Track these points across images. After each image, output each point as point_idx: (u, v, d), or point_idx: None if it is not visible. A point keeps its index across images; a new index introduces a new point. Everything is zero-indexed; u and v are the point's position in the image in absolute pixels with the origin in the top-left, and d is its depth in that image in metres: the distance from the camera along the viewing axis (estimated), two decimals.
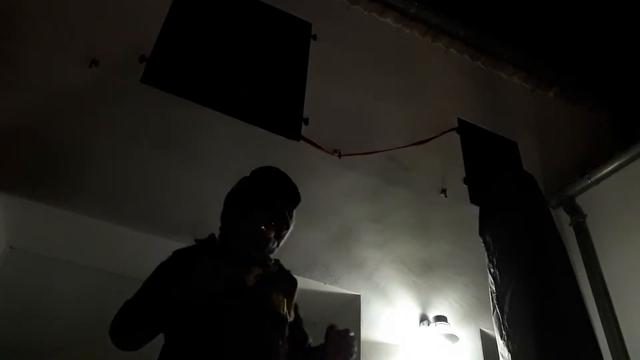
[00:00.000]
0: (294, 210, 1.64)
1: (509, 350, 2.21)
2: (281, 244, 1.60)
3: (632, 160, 3.76)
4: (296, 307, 1.52)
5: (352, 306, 2.80)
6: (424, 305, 2.98)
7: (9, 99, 2.56)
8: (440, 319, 2.85)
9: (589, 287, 3.61)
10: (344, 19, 4.28)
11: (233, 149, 3.01)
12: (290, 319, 1.47)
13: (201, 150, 2.91)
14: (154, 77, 3.01)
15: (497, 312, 2.36)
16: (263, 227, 1.50)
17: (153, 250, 2.62)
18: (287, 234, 1.62)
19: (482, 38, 4.74)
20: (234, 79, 3.34)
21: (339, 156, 3.33)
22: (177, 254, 1.49)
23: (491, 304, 2.43)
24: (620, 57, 5.11)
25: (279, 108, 3.40)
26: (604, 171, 3.89)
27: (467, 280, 3.22)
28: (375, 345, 2.70)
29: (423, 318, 2.90)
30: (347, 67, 3.92)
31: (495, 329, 2.35)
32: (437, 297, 3.06)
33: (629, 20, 4.84)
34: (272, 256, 1.58)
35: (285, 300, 1.46)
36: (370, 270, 2.97)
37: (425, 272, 3.14)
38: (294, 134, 3.29)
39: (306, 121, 3.39)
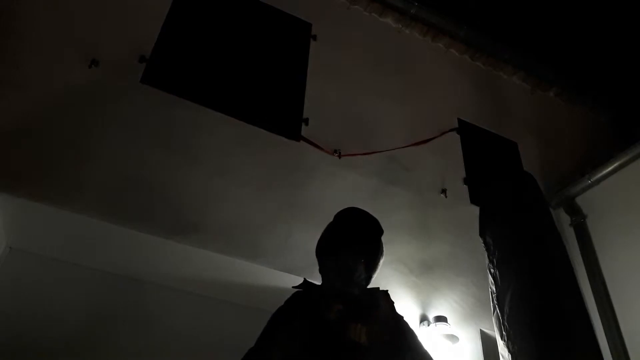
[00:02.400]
0: (381, 240, 1.78)
1: (509, 351, 2.21)
2: (374, 275, 1.74)
3: (632, 160, 3.76)
4: (389, 319, 1.63)
5: None
6: (424, 305, 2.98)
7: (9, 99, 2.56)
8: (440, 319, 2.85)
9: (589, 287, 3.61)
10: (344, 19, 4.28)
11: (233, 149, 3.01)
12: (367, 342, 1.52)
13: (201, 150, 2.91)
14: (154, 78, 3.01)
15: (497, 312, 2.36)
16: (350, 262, 1.65)
17: (153, 250, 2.63)
18: (380, 263, 1.75)
19: (482, 38, 4.73)
20: (234, 79, 3.34)
21: (339, 156, 3.34)
22: (285, 302, 1.67)
23: (491, 304, 2.43)
24: (621, 58, 5.10)
25: (279, 108, 3.40)
26: (604, 171, 3.89)
27: (467, 280, 3.22)
28: None
29: (423, 318, 2.90)
30: (347, 67, 3.92)
31: (496, 329, 2.35)
32: (437, 298, 3.06)
33: (628, 21, 4.84)
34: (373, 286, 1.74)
35: (366, 327, 1.53)
36: None
37: (425, 273, 3.14)
38: (294, 134, 3.29)
39: (306, 121, 3.38)
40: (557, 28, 5.00)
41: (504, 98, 4.77)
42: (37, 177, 2.42)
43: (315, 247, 1.78)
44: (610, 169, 3.86)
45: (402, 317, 1.71)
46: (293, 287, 1.71)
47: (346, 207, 1.87)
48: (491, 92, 4.71)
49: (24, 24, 2.84)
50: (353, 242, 1.70)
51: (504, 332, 2.28)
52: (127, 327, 2.63)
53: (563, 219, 4.05)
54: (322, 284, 1.72)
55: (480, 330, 3.06)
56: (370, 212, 3.23)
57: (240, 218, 2.79)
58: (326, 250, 1.73)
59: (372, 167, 3.43)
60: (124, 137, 2.74)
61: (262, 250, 2.74)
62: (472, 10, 4.78)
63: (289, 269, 2.72)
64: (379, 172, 3.44)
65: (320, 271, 1.74)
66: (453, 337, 2.75)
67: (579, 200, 4.03)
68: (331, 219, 1.85)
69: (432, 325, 2.82)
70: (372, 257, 1.72)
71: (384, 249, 1.80)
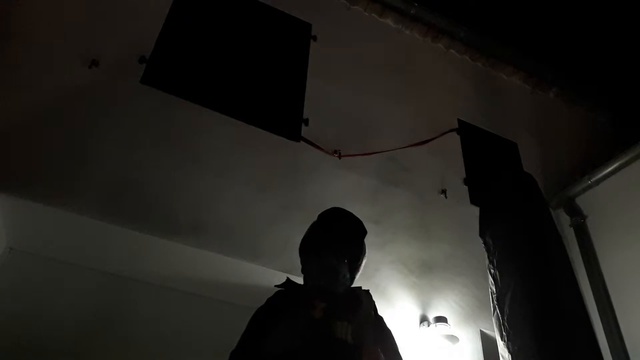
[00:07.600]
0: (364, 241, 1.79)
1: (509, 351, 2.21)
2: (357, 275, 1.75)
3: (632, 160, 3.76)
4: (371, 317, 1.63)
5: None
6: (424, 306, 2.98)
7: (9, 99, 2.56)
8: (440, 319, 2.85)
9: (589, 287, 3.61)
10: (344, 19, 4.28)
11: (233, 149, 3.01)
12: (352, 341, 1.50)
13: (201, 150, 2.91)
14: (154, 78, 3.01)
15: (497, 312, 2.36)
16: (334, 262, 1.64)
17: (153, 250, 2.63)
18: (362, 264, 1.76)
19: (482, 39, 4.74)
20: (234, 80, 3.34)
21: (339, 157, 3.33)
22: (267, 301, 1.67)
23: (491, 304, 2.43)
24: (620, 58, 5.11)
25: (279, 108, 3.40)
26: (604, 172, 3.89)
27: (467, 281, 3.22)
28: None
29: (423, 319, 2.90)
30: (347, 67, 3.92)
31: (496, 329, 2.35)
32: (437, 298, 3.06)
33: (628, 21, 4.84)
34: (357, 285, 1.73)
35: (351, 326, 1.52)
36: (370, 271, 2.96)
37: (425, 273, 3.13)
38: (294, 134, 3.29)
39: (306, 122, 3.38)
40: (557, 28, 5.01)
41: (504, 98, 4.77)
42: (37, 177, 2.42)
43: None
44: (610, 169, 3.86)
45: (382, 318, 1.72)
46: (275, 285, 1.71)
47: (333, 207, 1.87)
48: (491, 92, 4.71)
49: (24, 25, 2.84)
50: (337, 242, 1.70)
51: (504, 333, 2.28)
52: (127, 327, 2.63)
53: (563, 220, 4.04)
54: (304, 283, 1.70)
55: (480, 330, 3.06)
56: (370, 213, 3.24)
57: (240, 218, 2.79)
58: (310, 249, 1.72)
59: (372, 167, 3.43)
60: (124, 137, 2.74)
61: (262, 251, 2.73)
62: (472, 10, 4.79)
63: (288, 270, 2.72)
64: (379, 172, 3.44)
65: (303, 270, 1.73)
66: (453, 338, 2.75)
67: (579, 200, 4.03)
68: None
69: (432, 325, 2.82)
70: (355, 258, 1.72)
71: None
